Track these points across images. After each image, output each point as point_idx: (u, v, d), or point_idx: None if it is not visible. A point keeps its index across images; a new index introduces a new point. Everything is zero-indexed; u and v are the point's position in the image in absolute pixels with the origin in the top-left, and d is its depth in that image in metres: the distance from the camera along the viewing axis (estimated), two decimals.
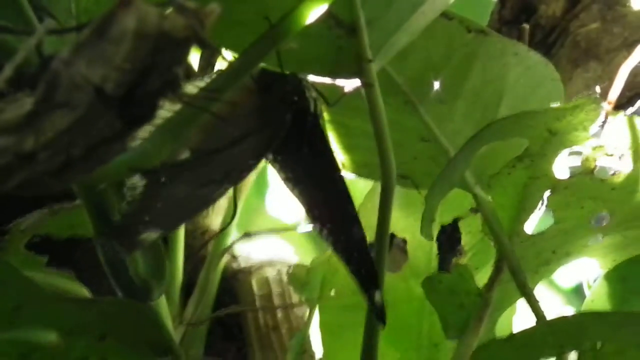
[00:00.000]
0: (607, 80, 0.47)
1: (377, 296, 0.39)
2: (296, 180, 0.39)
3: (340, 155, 0.46)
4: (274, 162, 0.39)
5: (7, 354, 0.34)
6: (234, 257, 0.58)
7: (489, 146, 0.42)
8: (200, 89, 0.34)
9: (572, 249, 0.45)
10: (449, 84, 0.43)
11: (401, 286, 0.49)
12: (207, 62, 0.46)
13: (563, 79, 0.43)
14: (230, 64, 0.35)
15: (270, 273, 0.58)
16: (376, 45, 0.39)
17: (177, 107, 0.33)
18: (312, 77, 0.40)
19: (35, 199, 0.44)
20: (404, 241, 0.49)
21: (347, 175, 0.47)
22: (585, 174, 0.42)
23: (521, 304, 0.47)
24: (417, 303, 0.48)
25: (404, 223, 0.48)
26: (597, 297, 0.45)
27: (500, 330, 0.47)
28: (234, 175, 0.37)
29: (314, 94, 0.39)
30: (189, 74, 0.28)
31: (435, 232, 0.46)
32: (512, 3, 0.49)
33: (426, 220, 0.42)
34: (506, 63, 0.42)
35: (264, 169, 0.66)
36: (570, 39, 0.48)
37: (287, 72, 0.39)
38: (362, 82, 0.39)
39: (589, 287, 0.48)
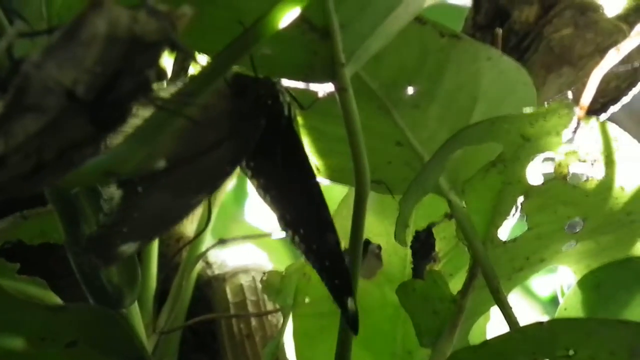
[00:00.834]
0: (580, 86, 0.47)
1: (350, 304, 0.39)
2: (268, 186, 0.39)
3: (314, 160, 0.46)
4: (246, 168, 0.38)
5: None
6: (208, 264, 0.58)
7: (462, 151, 0.42)
8: (174, 92, 0.34)
9: (546, 255, 0.45)
10: (423, 88, 0.43)
11: (375, 293, 0.49)
12: (181, 66, 0.46)
13: (536, 84, 0.43)
14: (203, 67, 0.35)
15: (245, 280, 0.58)
16: (350, 50, 0.39)
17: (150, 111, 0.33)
18: (285, 82, 0.40)
19: (6, 204, 0.43)
20: (379, 247, 0.49)
21: (323, 181, 0.46)
22: (559, 180, 0.43)
23: (495, 311, 0.47)
24: (392, 310, 0.48)
25: (379, 229, 0.48)
26: (571, 304, 0.45)
27: (474, 338, 0.47)
28: (210, 183, 0.37)
29: (287, 98, 0.39)
30: (163, 78, 0.28)
31: (409, 238, 0.46)
32: (486, 8, 0.49)
33: (400, 226, 0.42)
34: (479, 68, 0.42)
35: (244, 178, 0.66)
36: (544, 44, 0.49)
37: (261, 76, 0.39)
38: (335, 86, 0.39)
39: (563, 294, 0.48)
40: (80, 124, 0.26)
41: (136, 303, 0.42)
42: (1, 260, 0.42)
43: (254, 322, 0.57)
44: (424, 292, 0.44)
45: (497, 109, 0.43)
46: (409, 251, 0.47)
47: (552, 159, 0.42)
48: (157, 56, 0.27)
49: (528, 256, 0.45)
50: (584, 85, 0.43)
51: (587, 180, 0.43)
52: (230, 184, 0.60)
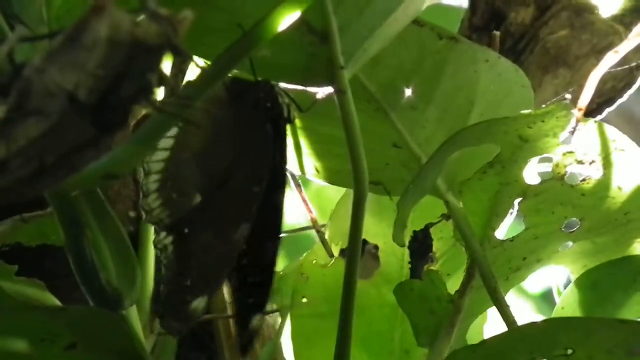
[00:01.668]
0: (576, 87, 0.47)
1: (255, 321, 0.38)
2: None
3: (312, 162, 0.46)
4: None
5: None
6: None
7: (460, 152, 0.42)
8: (173, 96, 0.34)
9: (543, 255, 0.45)
10: (421, 90, 0.43)
11: (373, 293, 0.49)
12: (179, 69, 0.46)
13: (533, 85, 0.43)
14: (203, 71, 0.35)
15: None
16: (348, 52, 0.39)
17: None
18: (284, 84, 0.40)
19: (5, 207, 0.43)
20: (376, 247, 0.49)
21: (318, 182, 0.47)
22: (556, 180, 0.43)
23: (492, 311, 0.47)
24: (389, 310, 0.48)
25: (376, 229, 0.49)
26: (568, 304, 0.45)
27: (472, 338, 0.47)
28: (245, 210, 0.37)
29: (286, 100, 0.39)
30: (163, 82, 0.28)
31: (407, 239, 0.46)
32: (482, 10, 0.49)
33: (398, 227, 0.42)
34: (477, 70, 0.42)
35: None
36: (540, 45, 0.49)
37: (259, 79, 0.39)
38: (334, 89, 0.39)
39: (559, 293, 0.48)
40: (82, 128, 0.27)
41: (134, 304, 0.42)
42: (0, 262, 0.42)
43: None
44: (421, 292, 0.44)
45: (494, 111, 0.43)
46: (407, 251, 0.47)
47: (549, 160, 0.43)
48: (159, 60, 0.27)
49: (525, 256, 0.45)
50: (580, 86, 0.43)
51: (584, 180, 0.43)
52: None
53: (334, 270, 0.48)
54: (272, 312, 0.56)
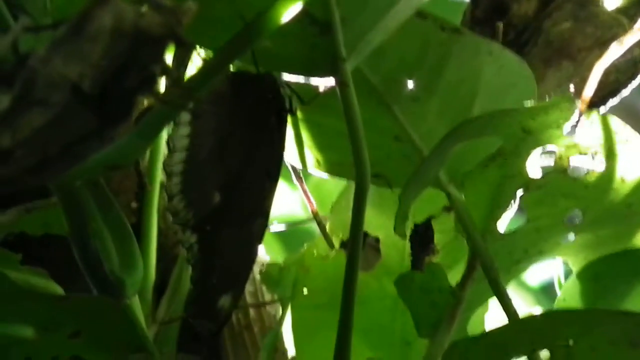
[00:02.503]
0: (580, 79, 0.47)
1: (224, 301, 0.38)
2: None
3: (313, 154, 0.46)
4: None
5: None
6: None
7: (462, 145, 0.42)
8: (176, 87, 0.34)
9: (545, 248, 0.45)
10: (423, 83, 0.43)
11: (374, 284, 0.49)
12: (181, 61, 0.46)
13: (535, 77, 0.43)
14: (205, 62, 0.35)
15: None
16: (351, 44, 0.39)
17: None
18: (286, 76, 0.40)
19: (9, 197, 0.43)
20: (377, 240, 0.50)
21: (319, 174, 0.47)
22: (558, 173, 0.43)
23: (493, 303, 0.47)
24: (390, 301, 0.48)
25: (377, 222, 0.49)
26: (569, 296, 0.46)
27: (473, 329, 0.47)
28: (260, 204, 0.37)
29: (288, 91, 0.39)
30: (166, 73, 0.28)
31: (408, 231, 0.46)
32: (485, 2, 0.49)
33: (400, 219, 0.42)
34: (480, 62, 0.42)
35: None
36: (543, 38, 0.49)
37: (261, 71, 0.39)
38: (336, 81, 0.39)
39: (560, 285, 0.48)
40: (86, 119, 0.27)
41: (137, 294, 0.42)
42: (4, 251, 0.42)
43: (252, 312, 0.57)
44: (422, 284, 0.44)
45: (497, 103, 0.43)
46: (408, 243, 0.48)
47: (552, 152, 0.43)
48: (162, 51, 0.27)
49: (527, 248, 0.45)
50: (583, 78, 0.43)
51: (587, 172, 0.43)
52: None
53: (335, 262, 0.48)
54: (273, 302, 0.56)
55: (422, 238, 0.47)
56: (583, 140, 0.42)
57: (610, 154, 0.42)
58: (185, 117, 0.37)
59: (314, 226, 0.51)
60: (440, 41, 0.42)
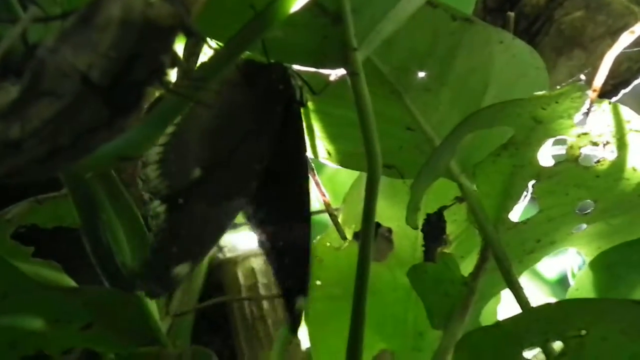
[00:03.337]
0: (591, 68, 0.47)
1: (299, 303, 0.38)
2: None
3: (325, 145, 0.46)
4: None
5: None
6: (220, 248, 0.58)
7: (474, 135, 0.42)
8: (186, 77, 0.34)
9: (557, 238, 0.45)
10: (434, 72, 0.43)
11: (386, 275, 0.49)
12: (191, 51, 0.46)
13: (547, 67, 0.43)
14: (215, 52, 0.35)
15: (256, 263, 0.58)
16: (361, 34, 0.39)
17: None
18: (296, 67, 0.40)
19: (21, 189, 0.44)
20: (389, 230, 0.50)
21: (331, 165, 0.47)
22: (570, 162, 0.43)
23: (506, 293, 0.47)
24: (403, 292, 0.48)
25: (389, 212, 0.49)
26: (582, 285, 0.45)
27: (486, 320, 0.47)
28: (243, 186, 0.37)
29: (299, 82, 0.39)
30: (176, 63, 0.28)
31: (420, 221, 0.46)
32: None
33: (411, 210, 0.42)
34: (491, 51, 0.42)
35: None
36: (555, 27, 0.48)
37: (272, 61, 0.39)
38: (347, 71, 0.39)
39: (574, 276, 0.48)
40: (95, 109, 0.27)
41: None
42: (16, 243, 0.42)
43: (265, 304, 0.57)
44: (435, 275, 0.44)
45: (509, 93, 0.43)
46: (420, 234, 0.47)
47: (563, 142, 0.43)
48: (171, 41, 0.27)
49: (539, 238, 0.45)
50: (595, 68, 0.43)
51: (598, 162, 0.43)
52: None
53: (348, 253, 0.48)
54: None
55: (434, 229, 0.47)
56: (594, 130, 0.42)
57: (621, 143, 0.42)
58: None
59: (327, 217, 0.51)
60: (451, 31, 0.42)
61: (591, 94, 0.40)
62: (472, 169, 0.43)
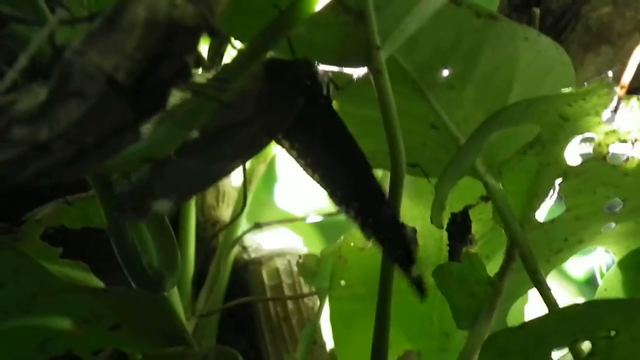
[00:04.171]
0: (619, 65, 0.47)
1: (414, 271, 0.38)
2: (315, 165, 0.38)
3: None
4: (291, 149, 0.38)
5: (25, 343, 0.34)
6: (244, 248, 0.58)
7: (499, 133, 0.42)
8: (211, 77, 0.34)
9: (585, 237, 0.45)
10: (459, 70, 0.42)
11: None
12: (216, 51, 0.46)
13: (574, 63, 0.43)
14: (240, 52, 0.35)
15: (281, 264, 0.58)
16: (385, 32, 0.39)
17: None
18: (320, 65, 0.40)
19: (50, 190, 0.44)
20: (414, 230, 0.49)
21: None
22: (598, 160, 0.42)
23: (533, 293, 0.47)
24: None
25: (414, 212, 0.48)
26: (611, 285, 0.45)
27: (512, 320, 0.47)
28: (246, 151, 0.37)
29: (325, 78, 0.39)
30: (199, 63, 0.28)
31: (445, 221, 0.46)
32: None
33: (436, 209, 0.42)
34: (516, 48, 0.42)
35: (273, 162, 0.66)
36: (582, 23, 0.48)
37: (298, 58, 0.39)
38: (370, 69, 0.39)
39: (602, 275, 0.47)
40: (121, 110, 0.27)
41: (175, 286, 0.42)
42: (45, 244, 0.43)
43: (290, 304, 0.57)
44: (460, 275, 0.44)
45: (534, 90, 0.42)
46: (445, 234, 0.47)
47: (591, 139, 0.42)
48: (196, 41, 0.27)
49: (566, 237, 0.44)
50: (623, 64, 0.43)
51: (627, 160, 0.42)
52: (262, 169, 0.61)
53: (372, 253, 0.48)
54: (311, 294, 0.56)
55: (459, 228, 0.47)
56: (622, 127, 0.41)
57: None
58: None
59: None
60: (475, 28, 0.42)
61: (619, 91, 0.40)
62: (497, 168, 0.43)
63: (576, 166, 0.43)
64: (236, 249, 0.57)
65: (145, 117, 0.28)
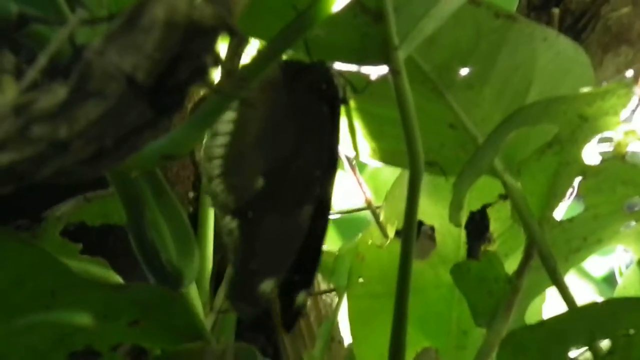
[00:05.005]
0: (639, 65, 0.46)
1: (301, 298, 0.38)
2: None
3: (367, 143, 0.46)
4: None
5: (45, 339, 0.35)
6: None
7: (518, 132, 0.42)
8: (229, 77, 0.35)
9: (604, 236, 0.45)
10: (477, 70, 0.42)
11: (429, 273, 0.49)
12: (234, 51, 0.46)
13: (593, 64, 0.43)
14: (258, 52, 0.35)
15: None
16: (403, 32, 0.39)
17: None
18: (338, 65, 0.40)
19: (69, 187, 0.44)
20: (432, 228, 0.49)
21: (373, 163, 0.47)
22: (617, 159, 0.42)
23: (551, 292, 0.46)
24: (446, 290, 0.48)
25: (432, 210, 0.48)
26: (630, 284, 0.45)
27: (530, 318, 0.47)
28: (306, 192, 0.37)
29: (341, 81, 0.39)
30: (218, 63, 0.28)
31: (463, 219, 0.46)
32: None
33: (455, 208, 0.42)
34: (535, 48, 0.42)
35: None
36: (601, 23, 0.48)
37: (315, 61, 0.39)
38: (389, 69, 0.39)
39: (621, 274, 0.47)
40: (140, 109, 0.27)
41: (194, 283, 0.42)
42: (65, 240, 0.43)
43: (308, 302, 0.57)
44: (479, 273, 0.44)
45: (553, 90, 0.42)
46: (463, 232, 0.47)
47: (609, 139, 0.42)
48: (214, 41, 0.27)
49: (585, 236, 0.44)
50: None
51: None
52: None
53: (390, 251, 0.48)
54: (329, 291, 0.56)
55: (477, 226, 0.47)
56: None
57: None
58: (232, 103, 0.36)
59: (369, 214, 0.51)
60: (494, 28, 0.41)
61: (638, 91, 0.40)
62: (516, 167, 0.43)
63: (595, 165, 0.42)
64: None
65: (163, 117, 0.28)
